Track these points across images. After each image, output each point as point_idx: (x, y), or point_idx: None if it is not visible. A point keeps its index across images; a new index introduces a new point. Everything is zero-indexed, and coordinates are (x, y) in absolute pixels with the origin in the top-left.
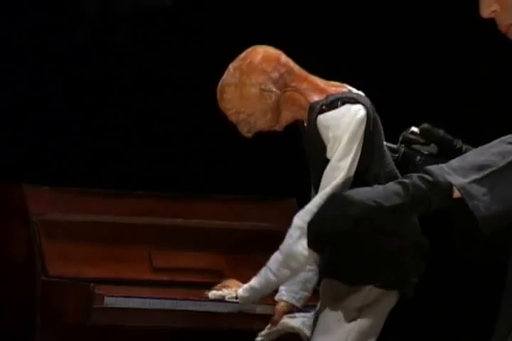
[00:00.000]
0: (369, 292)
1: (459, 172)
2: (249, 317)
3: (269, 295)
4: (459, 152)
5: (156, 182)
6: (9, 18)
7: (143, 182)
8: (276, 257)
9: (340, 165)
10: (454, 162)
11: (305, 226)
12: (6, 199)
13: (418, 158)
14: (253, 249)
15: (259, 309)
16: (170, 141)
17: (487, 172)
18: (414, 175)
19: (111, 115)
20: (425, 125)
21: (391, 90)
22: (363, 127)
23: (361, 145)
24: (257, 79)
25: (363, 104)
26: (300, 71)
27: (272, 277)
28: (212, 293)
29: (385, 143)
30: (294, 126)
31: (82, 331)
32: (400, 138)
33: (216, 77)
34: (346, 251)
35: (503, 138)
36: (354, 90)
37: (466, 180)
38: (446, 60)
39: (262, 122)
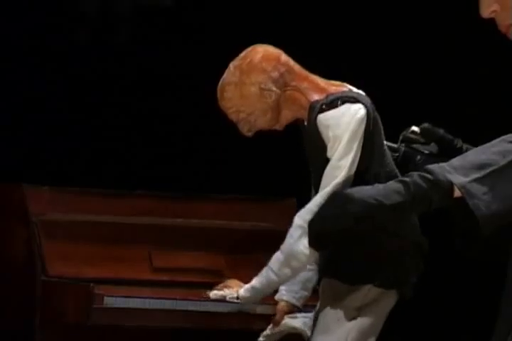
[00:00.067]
0: (368, 291)
1: (459, 171)
2: (249, 317)
3: (269, 295)
4: (459, 151)
5: (156, 182)
6: (9, 18)
7: (143, 182)
8: (277, 257)
9: (340, 164)
10: (455, 161)
11: (306, 225)
12: (5, 199)
13: (418, 157)
14: (253, 249)
15: (259, 309)
16: (170, 141)
17: (488, 171)
18: (415, 174)
19: (111, 115)
20: (425, 124)
21: (391, 90)
22: (363, 126)
23: (361, 144)
24: (257, 79)
25: (363, 103)
26: (300, 70)
27: (273, 277)
28: (214, 293)
29: (385, 142)
30: (294, 126)
31: (81, 331)
32: (400, 137)
33: (216, 77)
34: (346, 251)
35: (503, 137)
36: (354, 89)
37: (467, 179)
38: (446, 59)
39: (262, 121)
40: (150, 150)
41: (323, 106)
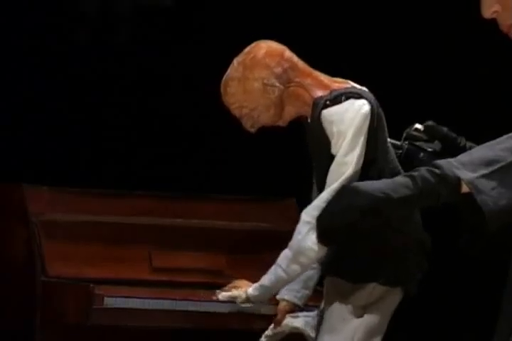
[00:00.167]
0: (373, 289)
1: (467, 167)
2: (249, 317)
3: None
4: (462, 149)
5: (156, 182)
6: (9, 18)
7: (143, 182)
8: (285, 254)
9: (346, 160)
10: (463, 157)
11: (313, 221)
12: (5, 199)
13: (421, 154)
14: (253, 249)
15: (259, 309)
16: (170, 141)
17: (496, 167)
18: (423, 168)
19: (111, 115)
20: (429, 122)
21: (391, 89)
22: (368, 122)
23: (366, 140)
24: (260, 74)
25: (367, 99)
26: (304, 66)
27: (282, 274)
28: (222, 295)
29: (388, 139)
30: (294, 126)
31: (81, 331)
32: (404, 134)
33: (216, 77)
34: (349, 249)
35: (510, 134)
36: (357, 86)
37: (475, 175)
38: (446, 59)
39: (265, 117)
40: (150, 150)
41: (327, 102)
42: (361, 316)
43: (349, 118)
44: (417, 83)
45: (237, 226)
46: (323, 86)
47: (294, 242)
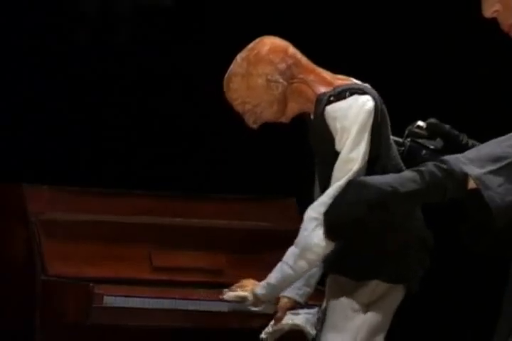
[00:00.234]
0: (376, 287)
1: (475, 163)
2: (249, 316)
3: None
4: (464, 147)
5: (155, 182)
6: (9, 18)
7: (143, 182)
8: (292, 250)
9: (351, 156)
10: (470, 153)
11: (320, 217)
12: (5, 199)
13: (424, 152)
14: (253, 249)
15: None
16: (170, 141)
17: (503, 163)
18: (430, 163)
19: (111, 115)
20: (432, 119)
21: (392, 88)
22: (372, 118)
23: (370, 135)
24: (264, 70)
25: (371, 95)
26: (307, 63)
27: (289, 271)
28: (228, 295)
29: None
30: (294, 126)
31: (81, 330)
32: (406, 132)
33: (216, 76)
34: (351, 247)
35: None
36: (360, 83)
37: (482, 171)
38: (446, 58)
39: (268, 113)
40: (150, 150)
41: (331, 98)
42: (364, 314)
43: (353, 114)
44: (417, 82)
45: (237, 225)
46: (326, 82)
47: (300, 239)
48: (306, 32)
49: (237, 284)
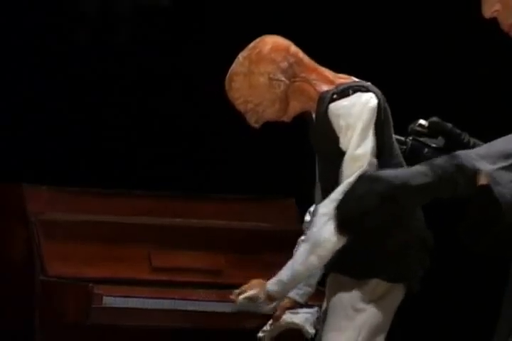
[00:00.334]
0: (376, 286)
1: (486, 159)
2: (248, 316)
3: None
4: (466, 145)
5: (155, 182)
6: (9, 18)
7: (142, 182)
8: (302, 247)
9: (358, 153)
10: (481, 149)
11: (330, 212)
12: (5, 199)
13: (426, 150)
14: (253, 249)
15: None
16: (170, 141)
17: None
18: (441, 157)
19: (111, 115)
20: (434, 118)
21: (392, 89)
22: (375, 115)
23: (374, 132)
24: (266, 69)
25: (374, 93)
26: (309, 61)
27: (299, 267)
28: (240, 298)
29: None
30: (294, 126)
31: (81, 330)
32: (408, 130)
33: (216, 77)
34: (351, 246)
35: None
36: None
37: (494, 167)
38: (446, 59)
39: (270, 112)
40: (150, 150)
41: (334, 96)
42: (365, 313)
43: (357, 112)
44: (418, 81)
45: (237, 225)
46: (328, 81)
47: (310, 235)
48: (307, 32)
49: (245, 285)
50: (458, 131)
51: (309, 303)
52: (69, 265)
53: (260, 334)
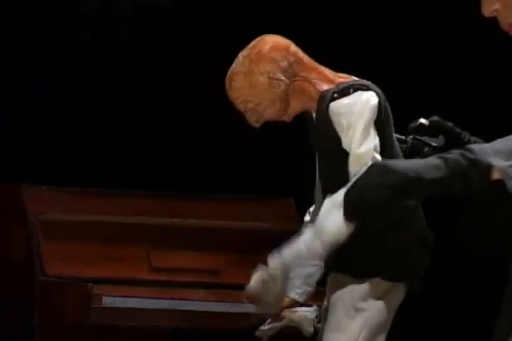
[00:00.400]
0: (377, 285)
1: (499, 155)
2: (248, 316)
3: None
4: (466, 144)
5: (154, 182)
6: (9, 18)
7: (142, 182)
8: (308, 232)
9: (361, 152)
10: (495, 144)
11: (338, 202)
12: (4, 199)
13: (426, 149)
14: (252, 249)
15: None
16: (169, 141)
17: None
18: (456, 151)
19: (111, 115)
20: (434, 117)
21: (393, 88)
22: (376, 114)
23: (375, 131)
24: (266, 68)
25: (374, 91)
26: (309, 61)
27: (302, 248)
28: (252, 286)
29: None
30: (294, 126)
31: (80, 330)
32: (409, 129)
33: (216, 76)
34: (352, 245)
35: None
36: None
37: (508, 163)
38: (446, 59)
39: (270, 111)
40: (150, 150)
41: (335, 95)
42: (366, 312)
43: (358, 110)
44: (418, 80)
45: (236, 225)
46: (328, 80)
47: (316, 222)
48: (307, 32)
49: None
50: (458, 130)
51: (309, 303)
52: (68, 265)
53: (258, 333)
